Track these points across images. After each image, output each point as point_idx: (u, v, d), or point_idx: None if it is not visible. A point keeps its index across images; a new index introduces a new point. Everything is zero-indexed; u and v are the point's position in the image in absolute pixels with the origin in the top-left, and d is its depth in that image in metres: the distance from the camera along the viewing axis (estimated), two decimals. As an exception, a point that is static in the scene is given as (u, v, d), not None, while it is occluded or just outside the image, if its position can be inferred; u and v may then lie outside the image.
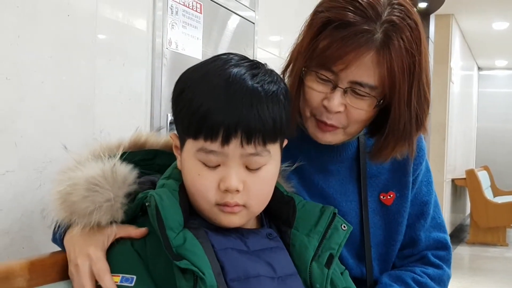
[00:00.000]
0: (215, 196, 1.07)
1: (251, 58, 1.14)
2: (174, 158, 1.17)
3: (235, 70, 1.06)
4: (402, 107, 1.22)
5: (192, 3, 2.01)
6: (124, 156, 1.16)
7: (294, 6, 3.01)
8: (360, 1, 1.19)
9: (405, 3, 1.24)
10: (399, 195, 1.42)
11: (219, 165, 1.06)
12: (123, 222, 1.09)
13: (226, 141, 1.03)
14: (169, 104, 1.14)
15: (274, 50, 2.84)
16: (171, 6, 1.88)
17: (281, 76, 1.30)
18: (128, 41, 1.73)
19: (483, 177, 8.81)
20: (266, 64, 1.13)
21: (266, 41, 2.73)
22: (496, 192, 9.37)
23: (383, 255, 1.43)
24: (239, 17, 2.39)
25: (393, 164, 1.42)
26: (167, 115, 1.83)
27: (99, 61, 1.60)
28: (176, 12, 1.91)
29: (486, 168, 9.69)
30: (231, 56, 1.11)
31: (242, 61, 1.10)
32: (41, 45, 1.40)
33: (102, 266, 1.06)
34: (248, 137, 1.03)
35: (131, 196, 1.11)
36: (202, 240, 1.06)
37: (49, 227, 1.18)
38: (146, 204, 1.06)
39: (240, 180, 1.06)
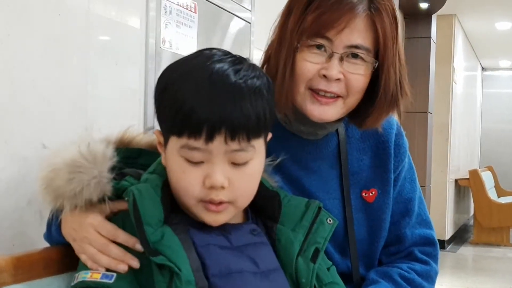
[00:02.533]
0: (200, 193, 1.07)
1: (245, 57, 1.14)
2: (157, 158, 1.18)
3: (218, 66, 1.06)
4: (391, 70, 1.27)
5: (187, 2, 2.02)
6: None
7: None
8: None
9: None
10: (381, 192, 1.43)
11: (203, 162, 1.06)
12: (111, 198, 1.11)
13: (210, 138, 1.02)
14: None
15: (271, 50, 2.84)
16: (165, 5, 1.89)
17: None
18: (121, 39, 1.74)
19: (487, 178, 8.79)
20: (248, 58, 1.13)
21: (263, 41, 2.73)
22: (500, 193, 9.34)
23: (367, 251, 1.44)
24: (235, 17, 2.40)
25: (374, 161, 1.44)
26: (160, 113, 1.83)
27: (92, 59, 1.60)
28: (170, 12, 1.92)
29: (490, 168, 9.67)
30: (214, 51, 1.11)
31: (225, 56, 1.09)
32: (32, 42, 1.41)
33: (109, 226, 1.09)
34: (232, 134, 1.03)
35: (115, 171, 1.13)
36: (181, 236, 1.07)
37: (40, 221, 1.19)
38: (126, 199, 1.07)
39: (225, 176, 1.06)
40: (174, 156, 1.07)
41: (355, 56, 1.25)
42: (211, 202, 1.07)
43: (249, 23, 2.51)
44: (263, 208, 1.23)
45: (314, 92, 1.27)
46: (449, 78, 7.73)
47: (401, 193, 1.46)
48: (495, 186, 9.40)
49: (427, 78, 6.49)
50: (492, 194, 8.59)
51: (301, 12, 1.25)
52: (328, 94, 1.26)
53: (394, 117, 1.45)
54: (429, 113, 6.58)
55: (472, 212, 9.31)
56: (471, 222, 9.25)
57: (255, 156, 1.10)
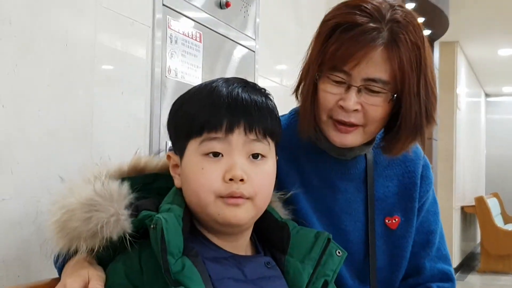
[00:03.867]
0: (220, 188, 1.08)
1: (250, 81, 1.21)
2: (172, 181, 1.18)
3: (227, 83, 1.14)
4: (412, 99, 1.27)
5: (192, 32, 2.03)
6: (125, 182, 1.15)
7: (294, 35, 3.04)
8: (365, 6, 1.27)
9: (404, 6, 1.32)
10: (404, 220, 1.43)
11: (222, 156, 1.09)
12: (131, 235, 1.08)
13: (230, 130, 1.08)
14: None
15: (275, 78, 2.85)
16: (170, 35, 1.90)
17: (294, 94, 1.40)
18: (127, 69, 1.74)
19: (493, 204, 8.74)
20: (255, 83, 1.20)
21: (267, 69, 2.74)
22: (507, 219, 9.29)
23: (387, 280, 1.42)
24: (240, 46, 2.41)
25: (399, 188, 1.44)
26: (166, 142, 1.83)
27: (98, 90, 1.61)
28: (176, 41, 1.93)
29: (496, 195, 9.63)
30: (216, 79, 1.19)
31: (230, 79, 1.17)
32: (39, 73, 1.41)
33: None
34: (250, 126, 1.10)
35: (131, 208, 1.11)
36: (200, 268, 1.06)
37: (48, 256, 1.17)
38: (152, 226, 1.05)
39: (244, 170, 1.09)
40: (194, 157, 1.11)
41: (372, 88, 1.26)
42: (231, 195, 1.08)
43: (253, 51, 2.52)
44: (271, 239, 1.22)
45: (335, 121, 1.30)
46: (452, 104, 7.75)
47: (424, 224, 1.46)
48: (501, 213, 9.36)
49: (431, 105, 6.48)
50: (498, 221, 8.54)
51: (323, 43, 1.28)
52: (347, 123, 1.29)
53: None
54: (433, 140, 6.57)
55: (479, 240, 9.25)
56: (478, 249, 9.17)
57: (269, 155, 1.15)
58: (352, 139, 1.30)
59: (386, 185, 1.43)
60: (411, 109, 1.27)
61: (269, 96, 1.18)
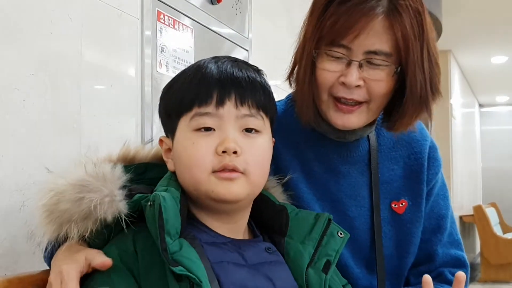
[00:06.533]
0: (212, 162, 1.04)
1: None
2: (165, 171, 1.13)
3: (215, 59, 1.12)
4: (417, 70, 1.19)
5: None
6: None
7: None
8: None
9: None
10: (412, 204, 1.36)
11: (214, 130, 1.05)
12: (128, 216, 1.02)
13: (220, 102, 1.05)
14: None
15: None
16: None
17: (288, 79, 1.33)
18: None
19: (492, 214, 8.72)
20: (246, 61, 1.16)
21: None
22: (506, 229, 9.25)
23: (395, 268, 1.35)
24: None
25: (405, 171, 1.38)
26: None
27: (84, 83, 1.55)
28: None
29: (493, 205, 9.60)
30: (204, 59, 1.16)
31: (219, 56, 1.14)
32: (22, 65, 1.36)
33: (71, 286, 0.97)
34: (242, 98, 1.06)
35: (125, 190, 1.05)
36: (198, 250, 1.01)
37: (35, 248, 1.11)
38: (149, 203, 0.99)
39: (237, 143, 1.04)
40: (185, 133, 1.07)
41: (374, 61, 1.19)
42: (224, 168, 1.04)
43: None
44: (270, 223, 1.17)
45: (337, 100, 1.23)
46: (447, 115, 7.73)
47: (434, 209, 1.40)
48: (499, 223, 9.32)
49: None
50: (497, 230, 8.50)
51: (318, 18, 1.21)
52: (350, 102, 1.22)
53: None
54: (430, 149, 6.54)
55: (478, 250, 9.19)
56: (478, 260, 9.11)
57: (264, 131, 1.10)
58: (355, 119, 1.24)
59: (392, 168, 1.37)
60: (416, 80, 1.19)
61: (262, 73, 1.14)
